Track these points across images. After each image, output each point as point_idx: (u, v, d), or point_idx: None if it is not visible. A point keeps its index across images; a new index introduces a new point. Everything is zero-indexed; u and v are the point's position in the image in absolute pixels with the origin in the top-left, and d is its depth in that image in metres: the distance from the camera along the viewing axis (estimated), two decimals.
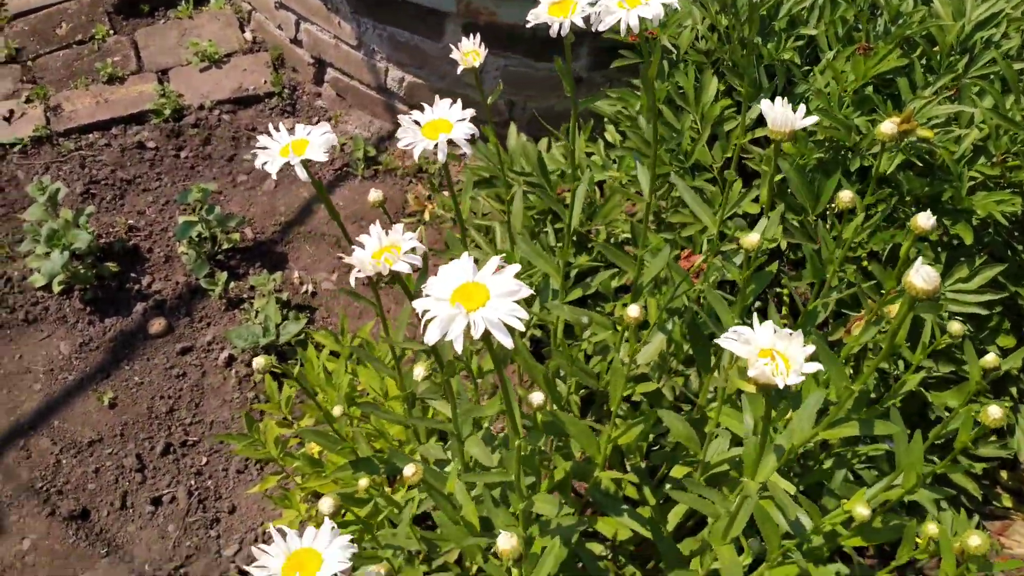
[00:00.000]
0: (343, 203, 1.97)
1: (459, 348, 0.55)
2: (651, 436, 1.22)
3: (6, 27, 2.26)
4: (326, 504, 0.80)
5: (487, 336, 0.57)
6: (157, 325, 1.73)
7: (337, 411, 0.97)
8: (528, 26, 0.88)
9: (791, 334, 0.56)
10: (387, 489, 1.20)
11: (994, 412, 0.73)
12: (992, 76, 1.42)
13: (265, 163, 0.80)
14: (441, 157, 0.82)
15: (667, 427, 1.25)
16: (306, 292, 1.82)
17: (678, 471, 1.03)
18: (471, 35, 0.96)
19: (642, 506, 1.13)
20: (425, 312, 0.57)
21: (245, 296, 1.79)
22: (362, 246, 0.74)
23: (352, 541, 0.59)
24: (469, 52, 0.94)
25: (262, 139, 0.82)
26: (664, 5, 0.76)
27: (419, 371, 0.83)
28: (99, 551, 1.48)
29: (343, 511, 1.11)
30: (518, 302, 0.57)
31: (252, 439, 1.31)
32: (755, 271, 0.93)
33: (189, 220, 1.77)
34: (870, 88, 1.43)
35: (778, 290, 1.48)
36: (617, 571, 1.07)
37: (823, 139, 1.41)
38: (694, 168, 1.48)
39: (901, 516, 1.05)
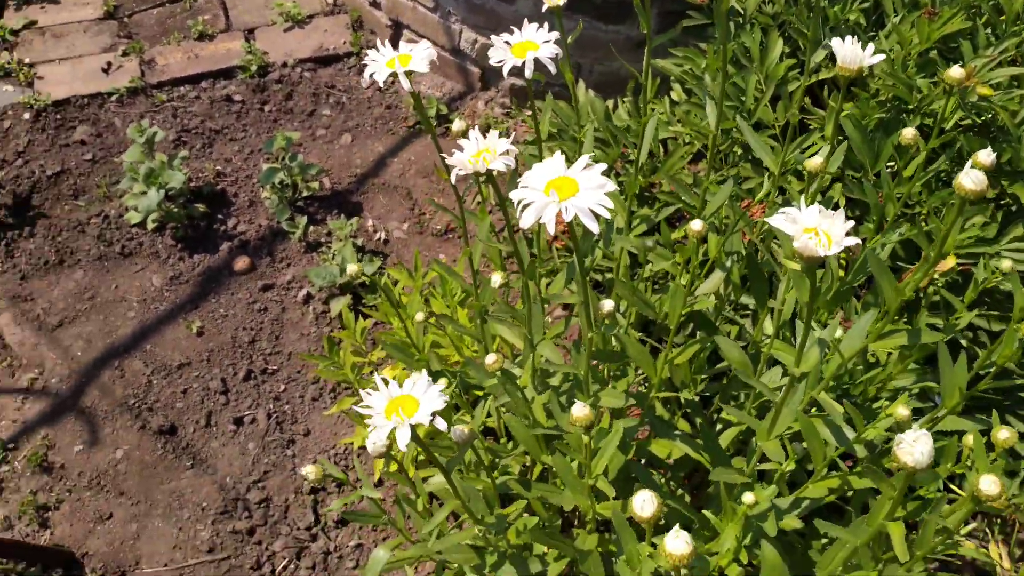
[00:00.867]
0: (415, 158, 2.07)
1: (551, 230, 0.63)
2: (703, 377, 1.29)
3: None
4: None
5: (571, 228, 0.65)
6: (241, 263, 1.85)
7: (419, 316, 1.06)
8: None
9: (833, 214, 0.62)
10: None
11: None
12: None
13: (373, 73, 0.89)
14: (528, 74, 0.89)
15: (720, 370, 1.32)
16: (379, 239, 1.93)
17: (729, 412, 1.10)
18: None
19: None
20: (521, 200, 0.65)
21: (323, 240, 1.90)
22: (461, 149, 0.82)
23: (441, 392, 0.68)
24: None
25: (370, 53, 0.90)
26: None
27: (496, 279, 0.91)
28: (185, 463, 1.61)
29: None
30: (605, 195, 0.65)
31: (332, 360, 1.42)
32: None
33: (273, 167, 1.88)
34: (934, 52, 1.46)
35: None
36: (668, 487, 1.15)
37: (885, 99, 1.46)
38: (757, 126, 1.53)
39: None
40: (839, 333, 0.90)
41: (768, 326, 1.14)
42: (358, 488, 1.03)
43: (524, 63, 0.90)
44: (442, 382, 0.69)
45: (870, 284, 1.41)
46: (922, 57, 1.45)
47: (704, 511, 0.98)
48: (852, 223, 0.62)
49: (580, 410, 0.70)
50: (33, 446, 1.61)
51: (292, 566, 1.49)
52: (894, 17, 1.52)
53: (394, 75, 0.89)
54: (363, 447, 1.56)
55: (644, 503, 0.61)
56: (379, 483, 1.55)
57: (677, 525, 0.58)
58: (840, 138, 1.44)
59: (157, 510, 1.55)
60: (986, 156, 0.79)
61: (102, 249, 1.88)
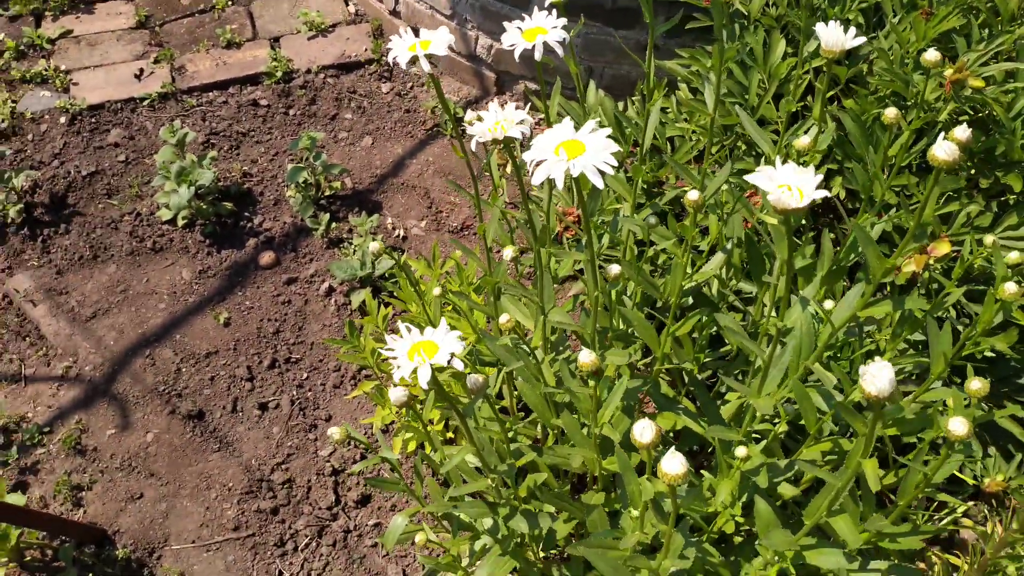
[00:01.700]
0: (432, 159, 2.15)
1: (560, 185, 0.70)
2: (706, 356, 1.35)
3: None
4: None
5: (578, 187, 0.71)
6: (267, 258, 1.93)
7: (436, 291, 1.12)
8: None
9: (805, 170, 0.68)
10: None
11: (1010, 288, 0.84)
12: None
13: (395, 56, 0.96)
14: (537, 56, 0.96)
15: (724, 353, 1.38)
16: (398, 236, 2.00)
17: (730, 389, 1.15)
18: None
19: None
20: (533, 159, 0.72)
21: (344, 236, 1.98)
22: (481, 119, 0.88)
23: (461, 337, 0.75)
24: None
25: (393, 38, 0.98)
26: None
27: (508, 252, 0.98)
28: (212, 446, 1.68)
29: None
30: (609, 154, 0.71)
31: (353, 344, 1.49)
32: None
33: (298, 166, 1.96)
34: (931, 49, 1.52)
35: (835, 233, 1.59)
36: None
37: (884, 95, 1.52)
38: (761, 122, 1.59)
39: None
40: (830, 305, 0.95)
41: (767, 300, 1.19)
42: (378, 452, 1.09)
43: (535, 46, 0.97)
44: (458, 332, 0.75)
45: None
46: (919, 55, 1.51)
47: (703, 472, 1.03)
48: (821, 177, 0.68)
49: (587, 356, 0.76)
50: (68, 430, 1.69)
51: (314, 544, 1.56)
52: (892, 17, 1.58)
53: (415, 60, 0.95)
54: (383, 429, 1.63)
55: (644, 429, 0.67)
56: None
57: (673, 447, 0.64)
58: (834, 124, 1.50)
59: (185, 490, 1.62)
60: (961, 132, 0.85)
61: (134, 245, 1.97)
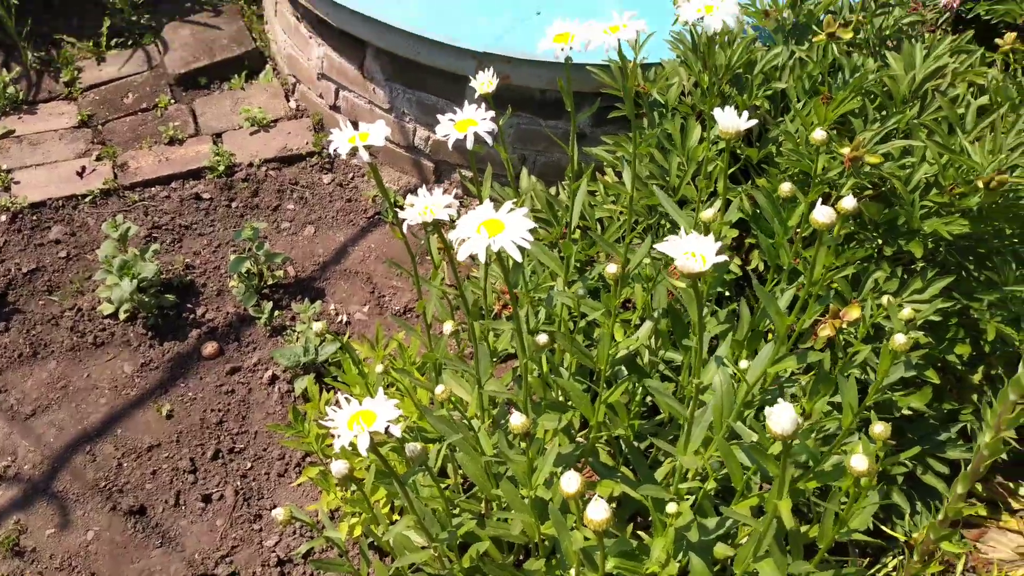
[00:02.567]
0: (374, 245, 2.20)
1: (482, 258, 0.76)
2: (640, 423, 1.40)
3: (80, 97, 2.56)
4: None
5: (501, 261, 0.77)
6: (210, 348, 1.95)
7: (379, 368, 1.16)
8: (538, 51, 1.11)
9: (706, 238, 0.76)
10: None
11: (899, 339, 0.92)
12: (940, 119, 1.64)
13: (336, 147, 1.02)
14: (469, 145, 1.04)
15: (660, 421, 1.43)
16: (341, 321, 2.04)
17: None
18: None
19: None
20: (458, 238, 0.78)
21: (287, 324, 2.01)
22: (411, 206, 0.94)
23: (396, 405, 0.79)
24: (484, 82, 1.18)
25: (334, 131, 1.04)
26: (637, 31, 1.00)
27: (447, 326, 1.03)
28: (154, 542, 1.66)
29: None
30: (526, 231, 0.78)
31: (297, 430, 1.51)
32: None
33: (240, 256, 2.00)
34: (833, 132, 1.65)
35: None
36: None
37: (793, 174, 1.64)
38: (681, 203, 1.70)
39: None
40: (744, 364, 1.02)
41: (690, 362, 1.26)
42: (323, 533, 1.11)
43: (466, 136, 1.04)
44: (396, 399, 0.79)
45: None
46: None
47: (640, 533, 1.07)
48: (720, 244, 0.75)
49: (517, 419, 0.80)
50: (6, 531, 1.65)
51: None
52: (796, 102, 1.72)
53: (355, 151, 1.01)
54: (329, 514, 1.63)
55: (569, 480, 0.71)
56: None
57: (597, 494, 0.68)
58: (749, 201, 1.61)
59: None
60: (847, 202, 0.94)
61: (75, 340, 1.96)
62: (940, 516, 1.28)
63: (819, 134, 1.05)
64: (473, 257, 0.76)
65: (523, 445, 0.82)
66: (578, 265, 1.81)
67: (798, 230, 1.60)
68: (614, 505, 1.30)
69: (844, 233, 1.60)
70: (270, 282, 2.08)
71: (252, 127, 2.46)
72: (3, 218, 2.20)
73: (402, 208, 0.92)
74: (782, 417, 0.68)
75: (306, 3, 2.28)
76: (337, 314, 2.05)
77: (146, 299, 1.96)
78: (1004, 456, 1.56)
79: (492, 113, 1.07)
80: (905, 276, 1.58)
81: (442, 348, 1.12)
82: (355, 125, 1.05)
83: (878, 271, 1.55)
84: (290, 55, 2.55)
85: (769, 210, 1.53)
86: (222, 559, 1.64)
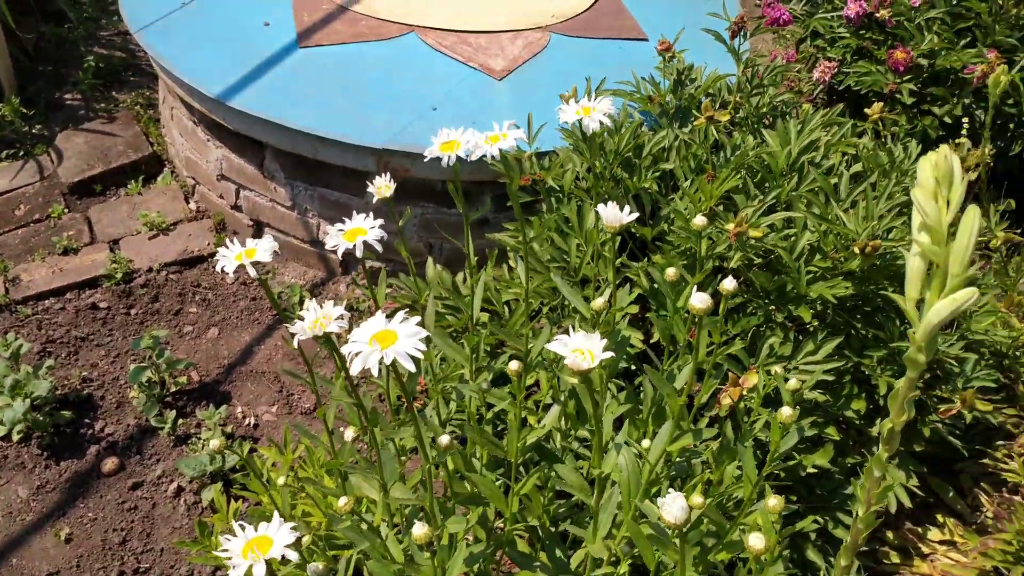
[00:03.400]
0: (281, 343, 2.17)
1: (376, 372, 0.76)
2: (556, 507, 1.40)
3: None
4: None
5: (396, 370, 0.77)
6: (110, 464, 1.86)
7: (281, 480, 1.13)
8: (426, 159, 1.14)
9: (594, 336, 0.78)
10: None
11: (785, 412, 0.95)
12: (816, 190, 1.74)
13: (224, 265, 1.01)
14: (358, 253, 1.04)
15: (575, 503, 1.43)
16: (249, 424, 1.98)
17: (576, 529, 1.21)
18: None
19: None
20: (351, 352, 0.78)
21: (192, 432, 1.94)
22: (302, 319, 0.94)
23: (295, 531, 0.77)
24: (381, 187, 1.20)
25: (220, 250, 1.03)
26: (516, 139, 1.04)
27: (349, 433, 1.02)
28: None
29: None
30: (418, 340, 0.78)
31: (204, 544, 1.44)
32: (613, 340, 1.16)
33: (140, 365, 1.94)
34: (720, 207, 1.73)
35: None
36: None
37: (685, 250, 1.70)
38: (582, 282, 1.74)
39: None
40: (646, 444, 1.04)
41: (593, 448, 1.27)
42: None
43: (355, 245, 1.05)
44: (292, 524, 0.77)
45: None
46: (710, 211, 1.72)
47: None
48: (606, 341, 0.78)
49: (419, 529, 0.79)
50: None
51: None
52: (684, 181, 1.80)
53: (243, 266, 1.01)
54: None
55: None
56: None
57: None
58: (642, 276, 1.66)
59: None
60: (728, 283, 0.98)
61: None
62: None
63: (699, 220, 1.10)
64: (367, 370, 0.76)
65: (425, 554, 0.81)
66: (488, 349, 1.82)
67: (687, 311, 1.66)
68: None
69: (738, 302, 1.66)
70: (173, 389, 2.01)
71: (151, 231, 2.42)
72: None
73: (295, 319, 0.91)
74: (673, 507, 0.70)
75: (202, 108, 2.28)
76: (244, 417, 2.00)
77: (40, 418, 1.87)
78: (909, 503, 1.61)
79: (381, 221, 1.09)
80: (800, 337, 1.64)
81: (346, 454, 1.10)
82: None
83: (772, 336, 1.61)
84: (188, 158, 2.54)
85: (664, 288, 1.58)
86: None
